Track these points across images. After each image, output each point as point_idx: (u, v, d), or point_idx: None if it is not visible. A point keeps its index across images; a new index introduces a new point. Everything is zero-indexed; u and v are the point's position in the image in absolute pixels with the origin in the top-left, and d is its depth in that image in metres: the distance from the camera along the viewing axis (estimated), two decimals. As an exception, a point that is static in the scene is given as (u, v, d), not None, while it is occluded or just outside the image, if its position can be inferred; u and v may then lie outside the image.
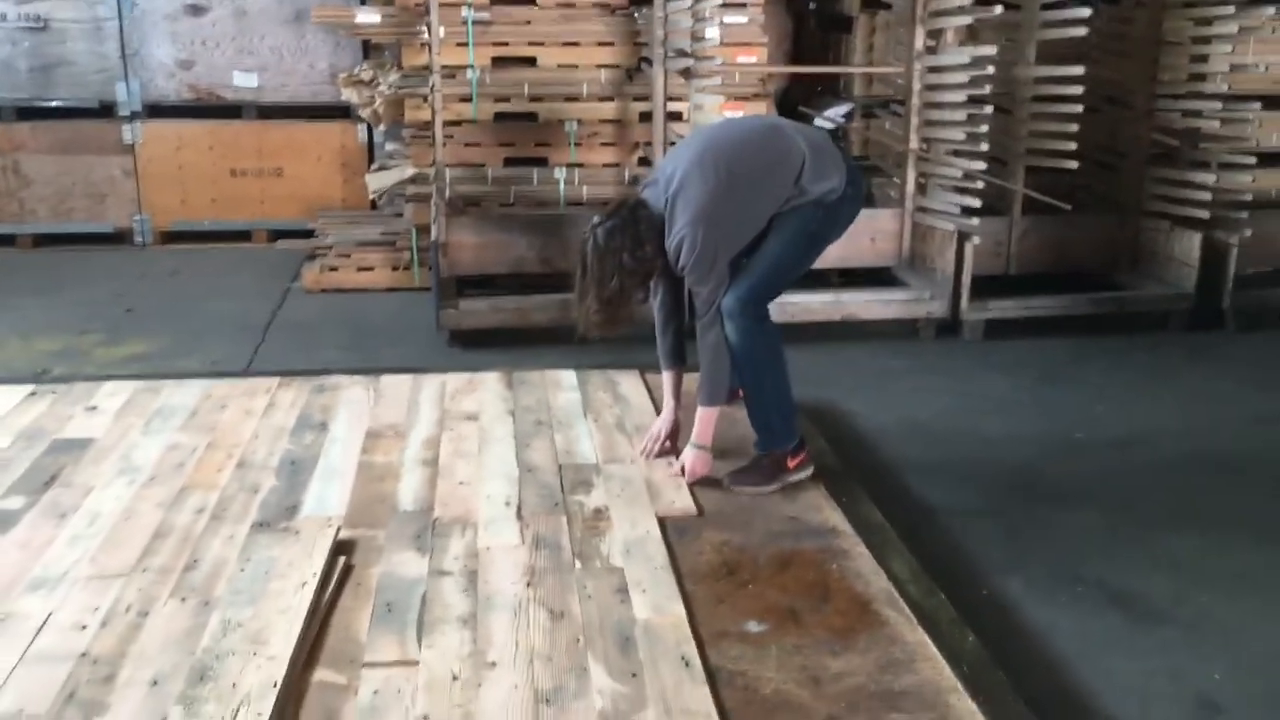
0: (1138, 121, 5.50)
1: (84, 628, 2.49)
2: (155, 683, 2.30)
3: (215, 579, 2.70)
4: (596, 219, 3.19)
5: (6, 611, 2.55)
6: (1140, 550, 3.21)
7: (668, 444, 3.45)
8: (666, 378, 3.51)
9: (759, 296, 3.24)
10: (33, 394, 3.92)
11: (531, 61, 5.50)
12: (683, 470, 3.31)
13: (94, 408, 3.79)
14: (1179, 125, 5.35)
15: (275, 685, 2.26)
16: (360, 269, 5.97)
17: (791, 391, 3.34)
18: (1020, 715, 2.25)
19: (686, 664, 2.39)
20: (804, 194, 3.20)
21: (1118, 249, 5.59)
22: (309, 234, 6.53)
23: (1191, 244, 5.24)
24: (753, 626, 2.56)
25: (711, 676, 2.35)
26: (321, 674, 2.36)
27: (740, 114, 5.71)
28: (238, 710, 2.19)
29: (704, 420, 3.29)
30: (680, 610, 2.60)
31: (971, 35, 5.30)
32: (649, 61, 5.34)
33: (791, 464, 3.28)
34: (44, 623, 2.51)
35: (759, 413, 3.31)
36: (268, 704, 2.20)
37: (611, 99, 5.58)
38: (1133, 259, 5.57)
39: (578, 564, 2.81)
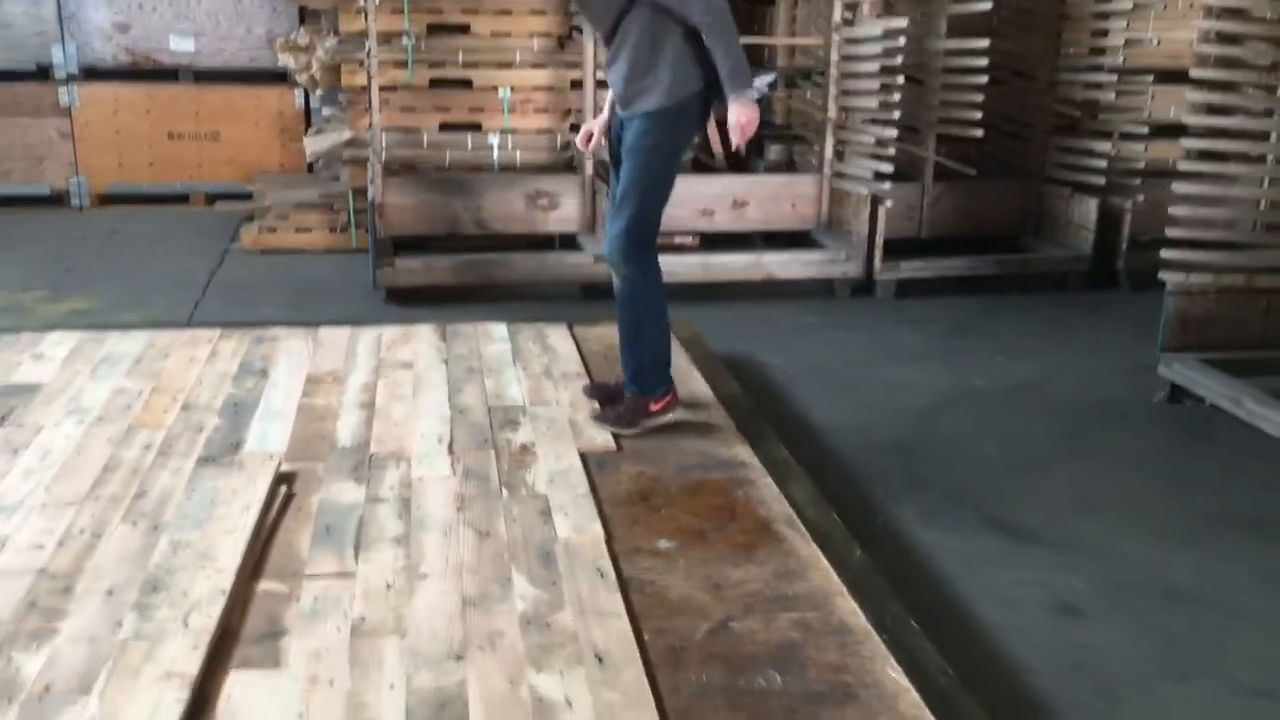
0: (1042, 93, 5.81)
1: (41, 548, 2.67)
2: (110, 593, 2.49)
3: (164, 506, 2.89)
4: None
5: (-34, 535, 2.73)
6: (1024, 482, 3.52)
7: (602, 142, 3.50)
8: (606, 111, 3.49)
9: (641, 232, 3.28)
10: (-21, 344, 4.05)
11: (466, 29, 5.67)
12: (730, 143, 3.31)
13: (40, 355, 3.94)
14: (1080, 97, 5.67)
15: (223, 592, 2.47)
16: (298, 230, 6.11)
17: (669, 340, 3.46)
18: (897, 614, 2.52)
19: (601, 574, 2.63)
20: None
21: (1022, 214, 5.91)
22: (247, 197, 6.64)
23: (1089, 209, 5.57)
24: (663, 544, 2.81)
25: (624, 584, 2.60)
26: (266, 585, 2.57)
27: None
28: (188, 614, 2.39)
29: (741, 96, 3.21)
30: (598, 530, 2.84)
31: (887, 8, 5.56)
32: (580, 30, 5.54)
33: (655, 408, 3.41)
34: (2, 544, 2.69)
35: (633, 359, 3.40)
36: (216, 608, 2.41)
37: (544, 66, 5.77)
38: (1036, 223, 5.90)
39: (505, 492, 3.04)
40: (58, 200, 7.00)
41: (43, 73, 6.82)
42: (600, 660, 2.30)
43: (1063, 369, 4.54)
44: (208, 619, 2.37)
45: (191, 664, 2.23)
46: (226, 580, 2.52)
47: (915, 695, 2.21)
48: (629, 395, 3.42)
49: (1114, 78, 5.48)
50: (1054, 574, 2.96)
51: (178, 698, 2.12)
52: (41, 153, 6.91)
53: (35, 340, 4.08)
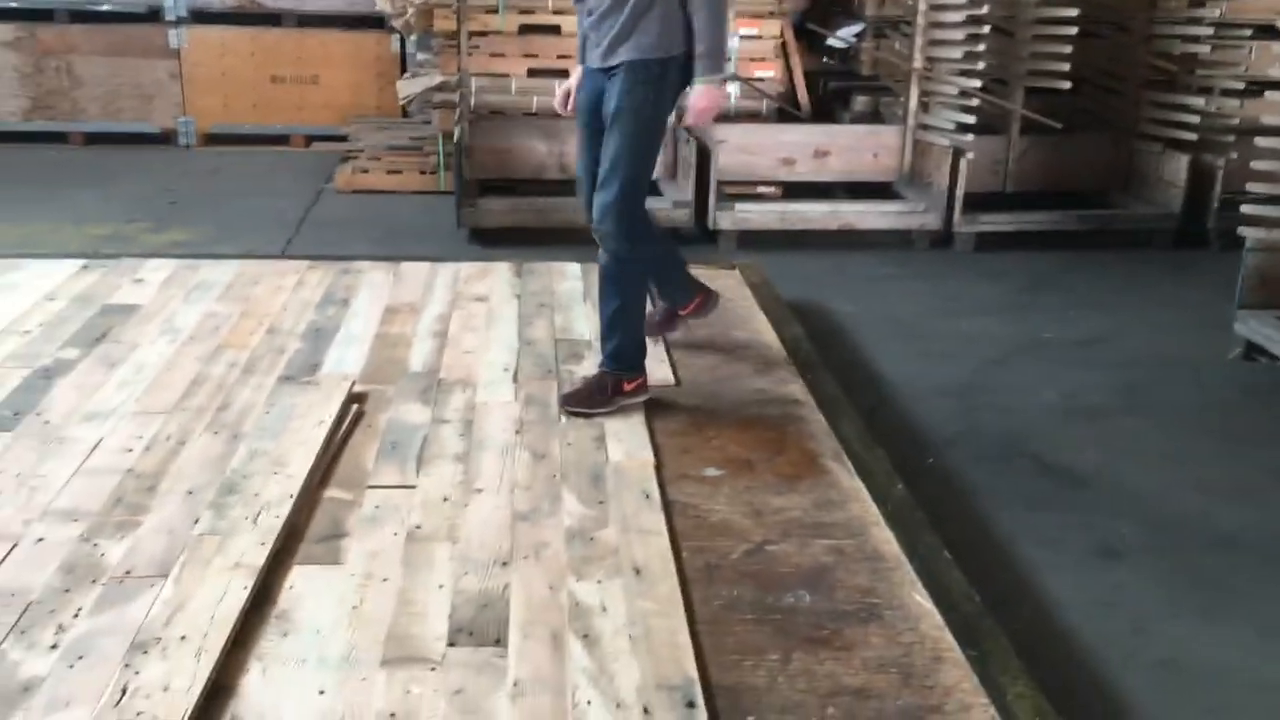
0: (1136, 46, 5.68)
1: (129, 451, 2.88)
2: (190, 492, 2.68)
3: (244, 418, 3.08)
4: None
5: (64, 436, 2.95)
6: (1080, 431, 3.53)
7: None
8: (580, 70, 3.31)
9: (633, 201, 3.09)
10: (85, 267, 4.30)
11: (556, -39, 5.75)
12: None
13: (140, 280, 4.17)
14: (1176, 51, 5.53)
15: (291, 496, 2.64)
16: (390, 172, 6.30)
17: (645, 319, 3.32)
18: (931, 544, 2.59)
19: (647, 496, 2.74)
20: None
21: (1111, 170, 5.81)
22: (343, 139, 6.85)
23: (1180, 166, 5.45)
24: (710, 472, 2.90)
25: (668, 507, 2.70)
26: (332, 492, 2.73)
27: (754, 31, 5.97)
28: (259, 514, 2.57)
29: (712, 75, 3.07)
30: (649, 456, 2.95)
31: (979, -43, 5.48)
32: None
33: (629, 387, 3.22)
34: (96, 445, 2.90)
35: (613, 336, 3.21)
36: (285, 509, 2.58)
37: (631, 13, 5.81)
38: (1125, 180, 5.78)
39: (562, 419, 3.16)
40: (165, 139, 7.30)
41: (153, 15, 7.10)
42: (638, 572, 2.42)
43: (1137, 324, 4.49)
44: (276, 519, 2.55)
45: (258, 557, 2.40)
46: (295, 485, 2.69)
47: (939, 617, 2.29)
48: (603, 371, 3.24)
49: (1211, 31, 5.33)
50: (1099, 519, 2.98)
51: (244, 585, 2.29)
52: (151, 92, 7.21)
53: (135, 266, 4.32)
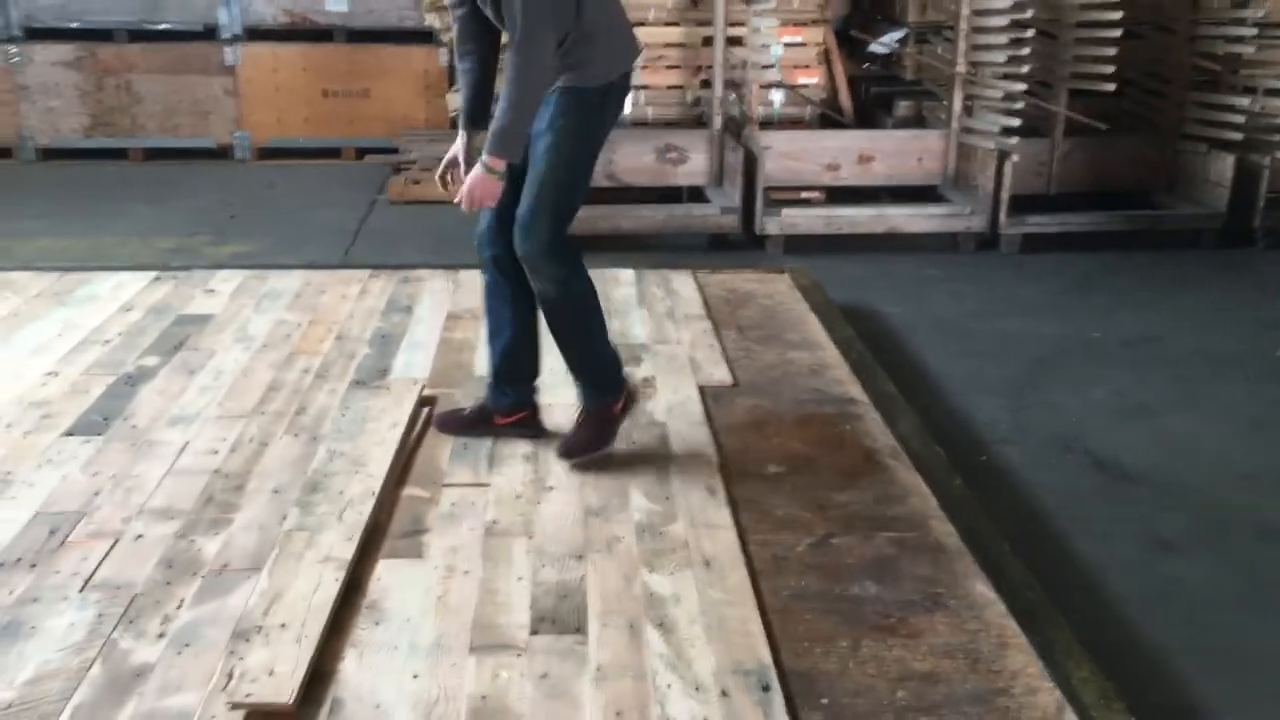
0: (1180, 47, 5.73)
1: (215, 452, 3.02)
2: (277, 491, 2.81)
3: (321, 421, 3.21)
4: None
5: (152, 439, 3.09)
6: (1130, 428, 3.59)
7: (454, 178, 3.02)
8: (462, 136, 3.00)
9: (559, 231, 2.82)
10: (157, 279, 4.46)
11: (602, -13, 5.87)
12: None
13: (211, 290, 4.32)
14: (1220, 51, 5.57)
15: (373, 494, 2.77)
16: (441, 182, 6.42)
17: (609, 336, 3.04)
18: (990, 536, 2.67)
19: (712, 493, 2.84)
20: (579, 58, 2.72)
21: (1156, 170, 5.85)
22: (394, 151, 7.01)
23: (1226, 166, 5.48)
24: (772, 468, 3.00)
25: (733, 501, 2.80)
26: (410, 490, 2.85)
27: (798, 39, 6.06)
28: (343, 511, 2.69)
29: (493, 159, 2.70)
30: (712, 454, 3.05)
31: (1021, -38, 5.55)
32: (711, -13, 5.68)
33: (618, 409, 3.02)
34: (183, 448, 3.04)
35: (584, 370, 2.99)
36: (368, 506, 2.71)
37: (676, 24, 5.94)
38: (1171, 180, 5.82)
39: (626, 419, 3.26)
40: (222, 154, 7.49)
41: (209, 33, 7.30)
42: (708, 564, 2.52)
43: (1184, 322, 4.54)
44: (360, 515, 2.67)
45: (346, 551, 2.52)
46: (376, 484, 2.82)
47: (1002, 606, 2.37)
48: (590, 408, 3.00)
49: (1255, 31, 5.37)
50: (1152, 512, 3.05)
51: (336, 577, 2.42)
52: (208, 108, 7.40)
53: (205, 277, 4.47)
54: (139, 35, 7.27)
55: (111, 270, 4.59)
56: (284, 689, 2.06)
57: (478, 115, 2.94)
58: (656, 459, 3.03)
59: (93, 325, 3.92)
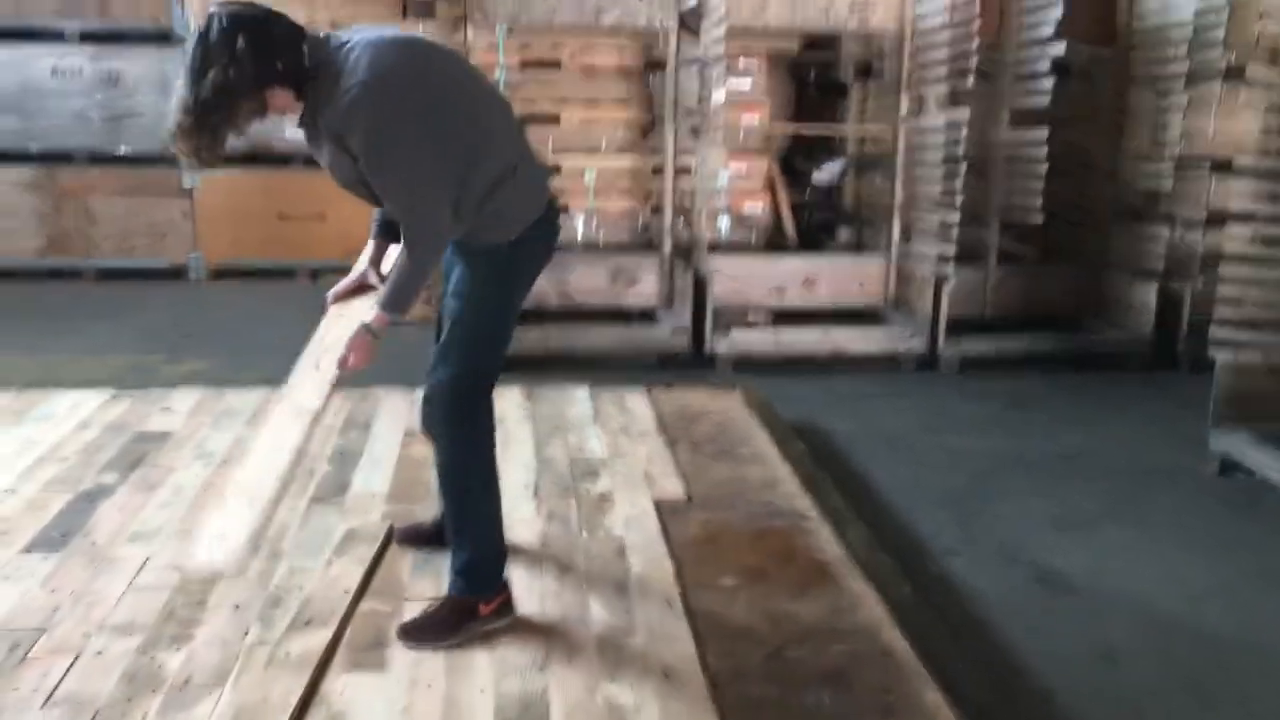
0: (1103, 182, 6.06)
1: (177, 569, 3.03)
2: (238, 606, 2.83)
3: (282, 536, 3.24)
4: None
5: (112, 556, 3.10)
6: (1072, 539, 3.72)
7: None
8: (372, 245, 2.96)
9: (471, 391, 2.72)
10: (114, 397, 4.48)
11: (556, 119, 6.13)
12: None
13: (168, 409, 4.36)
14: (1140, 186, 5.90)
15: (334, 609, 2.80)
16: (396, 303, 6.53)
17: (502, 525, 2.85)
18: (941, 644, 2.76)
19: (670, 604, 2.91)
20: (493, 212, 2.63)
21: (1085, 297, 6.13)
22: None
23: (1149, 293, 5.77)
24: (727, 580, 3.08)
25: (690, 613, 2.87)
26: (371, 604, 2.89)
27: (743, 168, 6.31)
28: (306, 624, 2.72)
29: (383, 320, 2.64)
30: (669, 566, 3.13)
31: (954, 100, 5.88)
32: (661, 119, 5.95)
33: (486, 610, 2.73)
34: (143, 564, 3.05)
35: (462, 548, 2.77)
36: (330, 620, 2.74)
37: (627, 153, 6.19)
38: (1098, 306, 6.10)
39: (584, 533, 3.34)
40: (177, 274, 7.56)
41: (170, 158, 7.39)
42: (667, 675, 2.58)
43: (1117, 439, 4.73)
44: (322, 629, 2.70)
45: (309, 665, 2.55)
46: (338, 600, 2.85)
47: (953, 714, 2.44)
48: (451, 595, 2.77)
49: (1172, 167, 5.71)
50: (1095, 622, 3.16)
51: (299, 691, 2.44)
52: (164, 230, 7.49)
53: (163, 395, 4.51)
54: (99, 159, 7.38)
55: (67, 389, 4.61)
56: (251, 800, 2.07)
57: (390, 228, 2.83)
58: (615, 572, 3.09)
59: (50, 442, 3.94)
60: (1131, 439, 4.75)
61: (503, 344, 2.78)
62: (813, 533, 3.40)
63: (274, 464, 2.51)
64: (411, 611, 2.83)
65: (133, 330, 6.25)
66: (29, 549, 3.13)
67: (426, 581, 3.00)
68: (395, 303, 2.62)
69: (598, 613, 2.86)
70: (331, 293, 2.97)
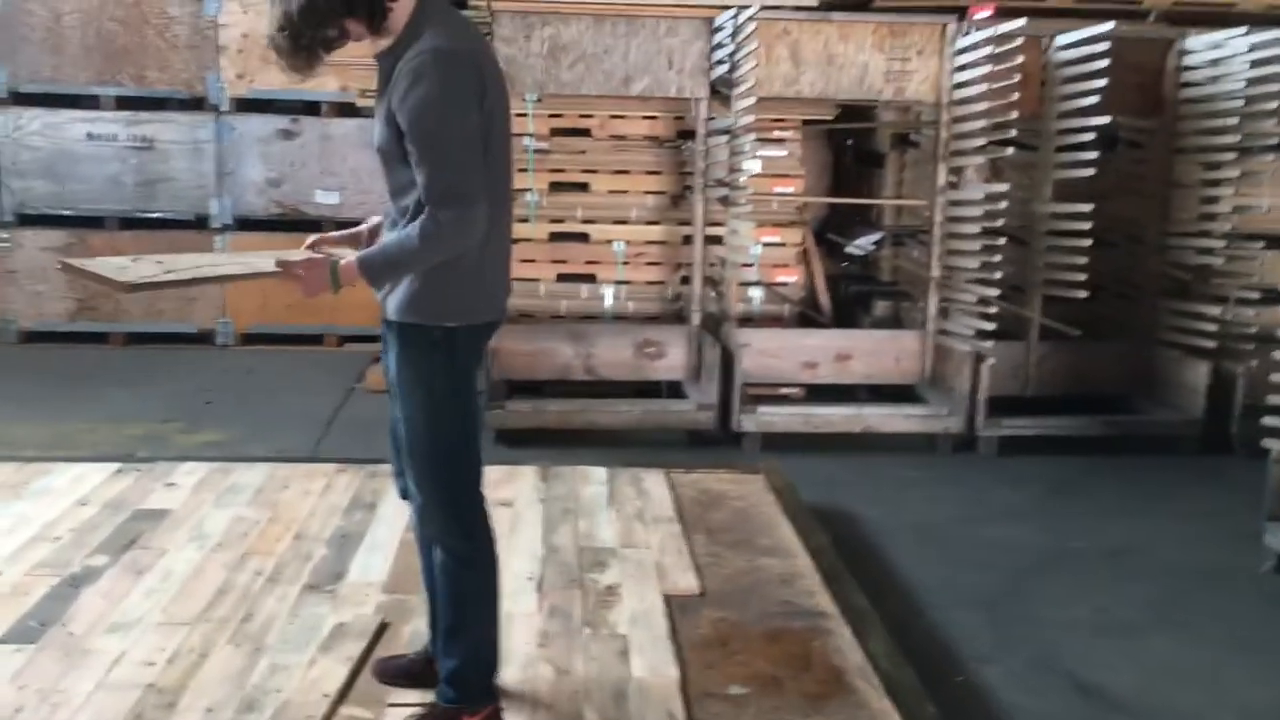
0: (1150, 256, 5.83)
1: (152, 664, 2.87)
2: (210, 710, 2.66)
3: (267, 629, 3.08)
4: None
5: (87, 648, 2.94)
6: (1115, 648, 3.46)
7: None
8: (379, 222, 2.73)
9: (459, 497, 2.57)
10: (119, 471, 4.36)
11: (585, 187, 6.03)
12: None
13: (172, 484, 4.23)
14: (1189, 261, 5.66)
15: (309, 716, 2.61)
16: (420, 372, 6.41)
17: (497, 639, 2.69)
18: (964, 773, 2.52)
19: (671, 717, 2.70)
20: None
21: (1132, 375, 5.86)
22: (375, 339, 7.01)
23: (1201, 373, 5.50)
24: (736, 689, 2.86)
25: (692, 728, 2.66)
26: (351, 709, 2.70)
27: (776, 239, 6.16)
28: (278, 733, 2.54)
29: (352, 271, 2.47)
30: (674, 672, 2.92)
31: (994, 172, 5.70)
32: (691, 189, 5.81)
33: None
34: (119, 658, 2.90)
35: (451, 654, 2.60)
36: (304, 729, 2.55)
37: (657, 222, 6.06)
38: (1147, 385, 5.83)
39: (586, 630, 3.14)
40: (204, 338, 7.50)
41: (200, 222, 7.41)
42: (662, 802, 2.36)
43: (1166, 533, 4.45)
44: (295, 739, 2.52)
45: (276, 780, 2.36)
46: (316, 705, 2.67)
47: None
48: (438, 704, 2.62)
49: (1224, 243, 5.47)
50: (1139, 745, 2.90)
51: (259, 812, 2.25)
52: (193, 294, 7.43)
53: (168, 470, 4.38)
54: (131, 223, 7.36)
55: (73, 462, 4.50)
56: None
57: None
58: (615, 676, 2.89)
59: (45, 520, 3.81)
60: (1180, 533, 4.47)
61: (472, 442, 2.57)
62: (832, 634, 3.18)
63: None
64: (393, 719, 2.65)
65: (154, 397, 6.17)
66: (3, 640, 2.98)
67: (412, 688, 2.81)
68: (373, 266, 2.44)
69: (593, 724, 2.66)
70: (317, 237, 2.81)
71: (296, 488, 4.22)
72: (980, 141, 5.41)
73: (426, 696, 2.73)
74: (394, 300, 2.50)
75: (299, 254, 2.63)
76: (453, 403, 2.52)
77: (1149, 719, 3.04)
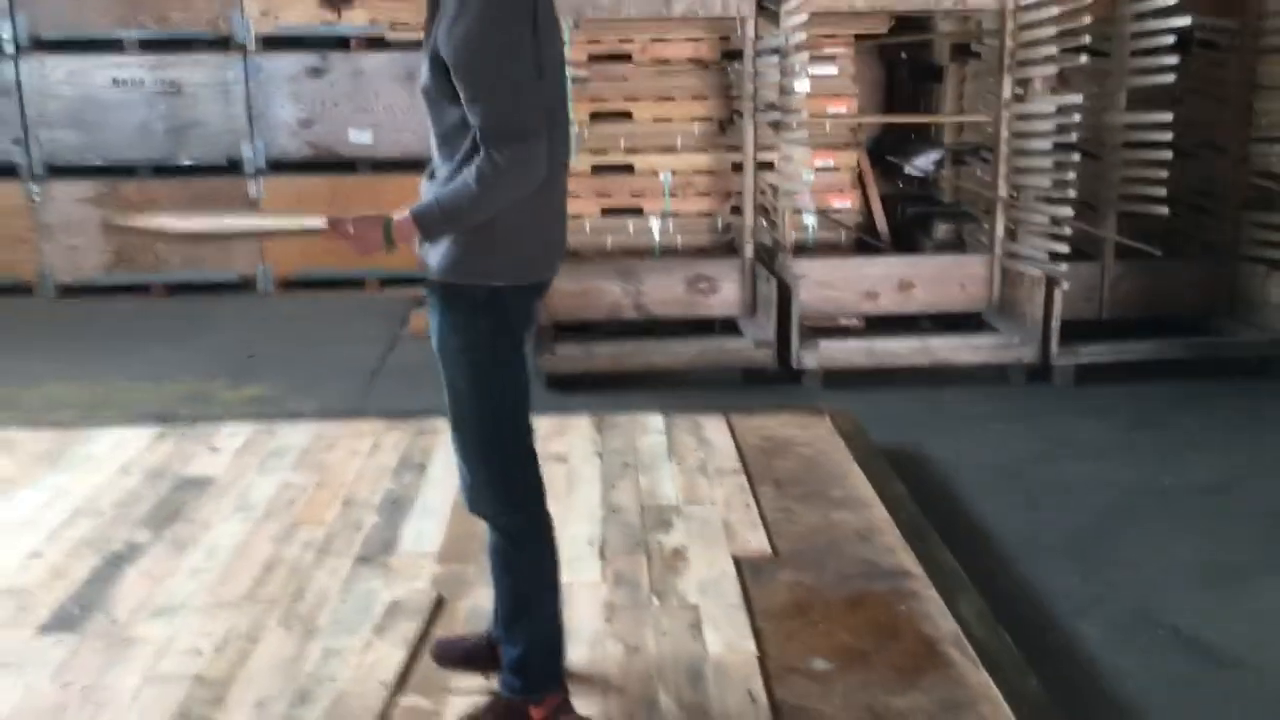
0: (1233, 165, 5.46)
1: (199, 653, 2.72)
2: (260, 703, 2.50)
3: (319, 609, 2.92)
4: None
5: (130, 637, 2.80)
6: (1224, 596, 3.22)
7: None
8: None
9: (509, 471, 2.37)
10: (160, 435, 4.21)
11: (628, 115, 5.74)
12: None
13: (215, 449, 4.07)
14: (1276, 169, 5.30)
15: (368, 708, 2.45)
16: (464, 315, 6.21)
17: (562, 622, 2.50)
18: (1076, 756, 2.31)
19: (753, 699, 2.51)
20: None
21: (1214, 294, 5.53)
22: (417, 281, 6.81)
23: (1289, 288, 5.17)
24: (820, 664, 2.66)
25: (776, 711, 2.47)
26: (411, 699, 2.54)
27: (830, 163, 5.85)
28: (334, 729, 2.38)
29: (407, 226, 2.23)
30: (751, 647, 2.72)
31: (1062, 82, 5.34)
32: (740, 114, 5.50)
33: (539, 714, 2.41)
34: (163, 648, 2.75)
35: (515, 647, 2.42)
36: (362, 724, 2.39)
37: (704, 150, 5.77)
38: (1230, 304, 5.50)
39: (654, 600, 2.95)
40: (245, 286, 7.33)
41: (233, 167, 7.20)
42: (749, 799, 2.18)
43: (1262, 466, 4.18)
44: (352, 735, 2.36)
45: (333, 784, 2.21)
46: (373, 695, 2.51)
47: None
48: (504, 695, 2.46)
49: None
50: (1260, 711, 2.67)
51: (317, 823, 2.09)
52: (231, 241, 7.26)
53: (210, 432, 4.22)
54: (162, 170, 7.17)
55: (114, 426, 4.35)
56: None
57: None
58: (688, 653, 2.70)
59: (85, 494, 3.66)
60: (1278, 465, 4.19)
61: (521, 413, 2.37)
62: (919, 598, 2.96)
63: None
64: (457, 709, 2.48)
65: (197, 351, 6.01)
66: (45, 629, 2.84)
67: (474, 673, 2.63)
68: (429, 219, 2.18)
69: (669, 707, 2.47)
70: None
71: (343, 448, 4.05)
72: (1049, 50, 5.05)
73: (490, 680, 2.56)
74: (435, 257, 2.26)
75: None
76: (500, 371, 2.29)
77: (1267, 677, 2.81)
